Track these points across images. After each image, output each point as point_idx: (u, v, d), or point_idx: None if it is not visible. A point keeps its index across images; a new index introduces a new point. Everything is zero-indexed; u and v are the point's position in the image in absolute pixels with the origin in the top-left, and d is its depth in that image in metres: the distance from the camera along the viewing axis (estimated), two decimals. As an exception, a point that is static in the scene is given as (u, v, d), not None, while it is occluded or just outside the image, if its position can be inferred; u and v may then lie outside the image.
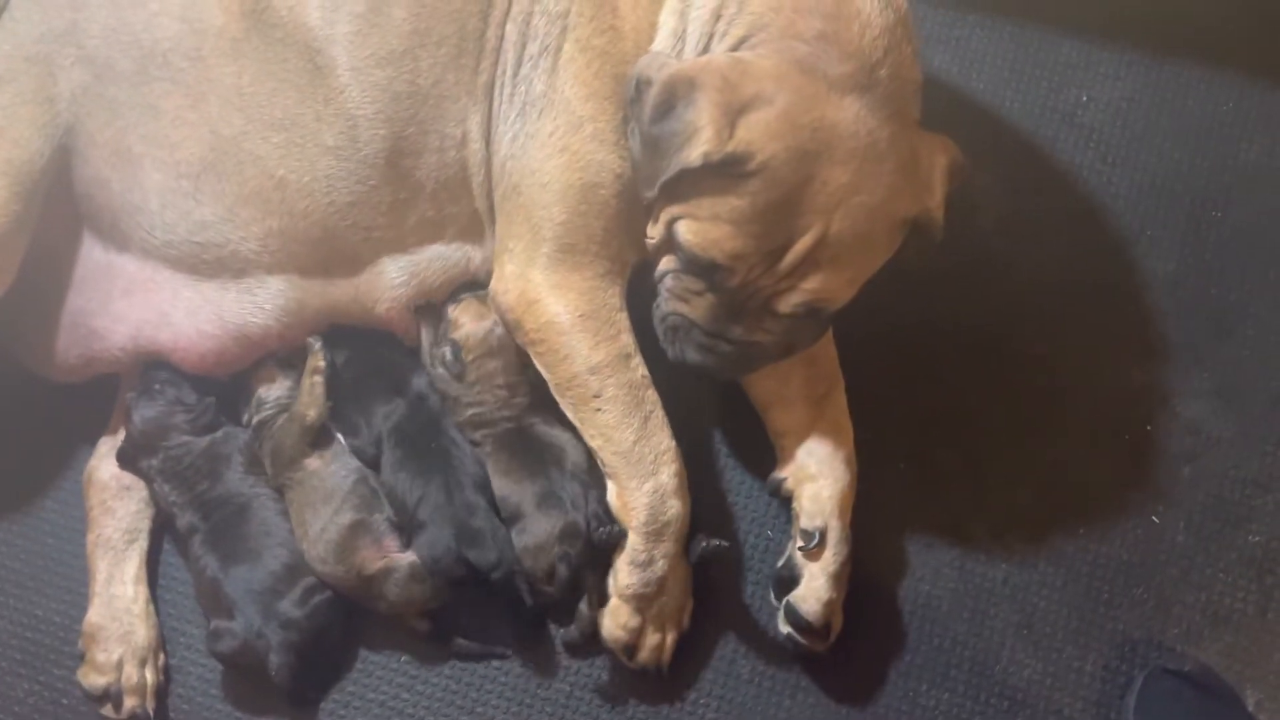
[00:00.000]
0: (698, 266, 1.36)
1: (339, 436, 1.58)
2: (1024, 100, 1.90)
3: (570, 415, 1.50)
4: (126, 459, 1.57)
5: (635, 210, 1.46)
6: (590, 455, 1.53)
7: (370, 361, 1.61)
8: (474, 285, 1.60)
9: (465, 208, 1.55)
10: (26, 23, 1.53)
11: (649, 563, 1.47)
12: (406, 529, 1.50)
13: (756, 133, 1.29)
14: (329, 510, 1.50)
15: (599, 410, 1.47)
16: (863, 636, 1.56)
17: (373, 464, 1.56)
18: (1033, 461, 1.68)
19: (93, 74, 1.52)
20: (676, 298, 1.42)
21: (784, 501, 1.60)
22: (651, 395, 1.49)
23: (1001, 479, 1.67)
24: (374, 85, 1.49)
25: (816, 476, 1.55)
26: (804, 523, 1.52)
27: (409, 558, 1.48)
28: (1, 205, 1.48)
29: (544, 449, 1.53)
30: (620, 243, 1.49)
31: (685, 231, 1.35)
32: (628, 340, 1.49)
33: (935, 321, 1.76)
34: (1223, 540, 1.64)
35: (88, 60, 1.52)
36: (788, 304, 1.37)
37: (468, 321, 1.56)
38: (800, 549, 1.51)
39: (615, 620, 1.48)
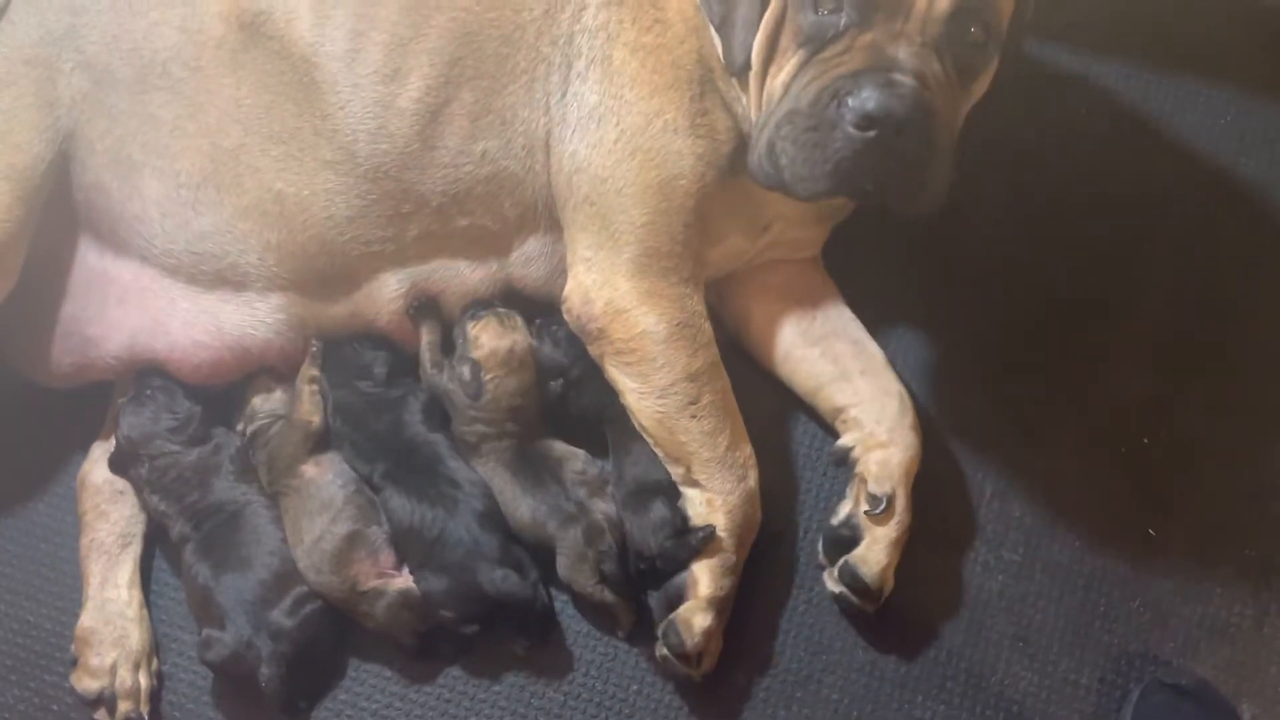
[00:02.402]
0: None
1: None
2: (1024, 110, 1.90)
3: (653, 425, 1.49)
4: (118, 466, 1.57)
5: (712, 203, 1.48)
6: (586, 458, 1.55)
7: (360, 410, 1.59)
8: (481, 300, 1.60)
9: (478, 221, 1.55)
10: (24, 25, 1.53)
11: (736, 567, 1.48)
12: (420, 563, 1.48)
13: None
14: (325, 519, 1.49)
15: (695, 418, 1.47)
16: (858, 647, 1.56)
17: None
18: (1029, 472, 1.68)
19: (92, 80, 1.52)
20: (826, 73, 1.33)
21: (846, 468, 1.61)
22: (735, 403, 1.51)
23: (997, 490, 1.67)
24: (375, 102, 1.49)
25: (887, 443, 1.56)
26: (872, 487, 1.53)
27: (400, 584, 1.47)
28: (5, 210, 1.48)
29: (543, 462, 1.53)
30: (699, 243, 1.50)
31: None
32: (716, 348, 1.51)
33: (932, 330, 1.76)
34: (1219, 554, 1.64)
35: (87, 66, 1.52)
36: None
37: (489, 340, 1.55)
38: (866, 512, 1.52)
39: (696, 626, 1.45)
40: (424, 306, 1.58)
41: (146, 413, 1.55)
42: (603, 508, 1.50)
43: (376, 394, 1.58)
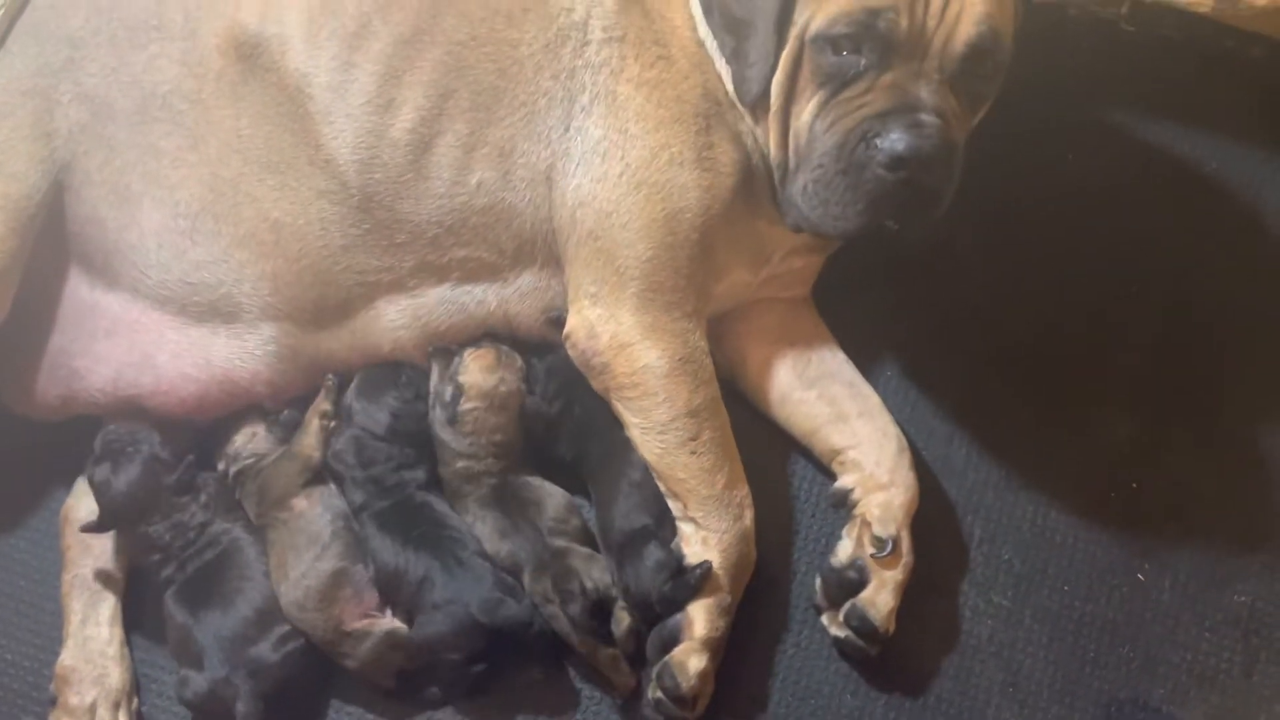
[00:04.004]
0: (861, 33, 1.35)
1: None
2: (1009, 158, 1.91)
3: (655, 460, 1.49)
4: (106, 527, 1.52)
5: (717, 236, 1.49)
6: (568, 505, 1.55)
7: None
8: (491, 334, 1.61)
9: (477, 252, 1.55)
10: (23, 57, 1.54)
11: (730, 608, 1.48)
12: (405, 606, 1.47)
13: None
14: (311, 555, 1.48)
15: (695, 454, 1.47)
16: (846, 692, 1.55)
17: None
18: (1018, 516, 1.68)
19: (90, 112, 1.53)
20: (850, 114, 1.37)
21: (845, 509, 1.61)
22: (734, 442, 1.51)
23: (986, 534, 1.67)
24: (369, 131, 1.50)
25: (888, 485, 1.56)
26: (877, 530, 1.52)
27: (387, 624, 1.45)
28: None
29: (521, 507, 1.53)
30: (704, 278, 1.51)
31: (829, 11, 1.36)
32: (717, 385, 1.51)
33: (920, 373, 1.77)
34: (1209, 599, 1.64)
35: (86, 98, 1.53)
36: (963, 35, 1.35)
37: (477, 370, 1.55)
38: (873, 555, 1.51)
39: (692, 668, 1.44)
40: (441, 350, 1.58)
41: (137, 468, 1.52)
42: (584, 554, 1.49)
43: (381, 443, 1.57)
